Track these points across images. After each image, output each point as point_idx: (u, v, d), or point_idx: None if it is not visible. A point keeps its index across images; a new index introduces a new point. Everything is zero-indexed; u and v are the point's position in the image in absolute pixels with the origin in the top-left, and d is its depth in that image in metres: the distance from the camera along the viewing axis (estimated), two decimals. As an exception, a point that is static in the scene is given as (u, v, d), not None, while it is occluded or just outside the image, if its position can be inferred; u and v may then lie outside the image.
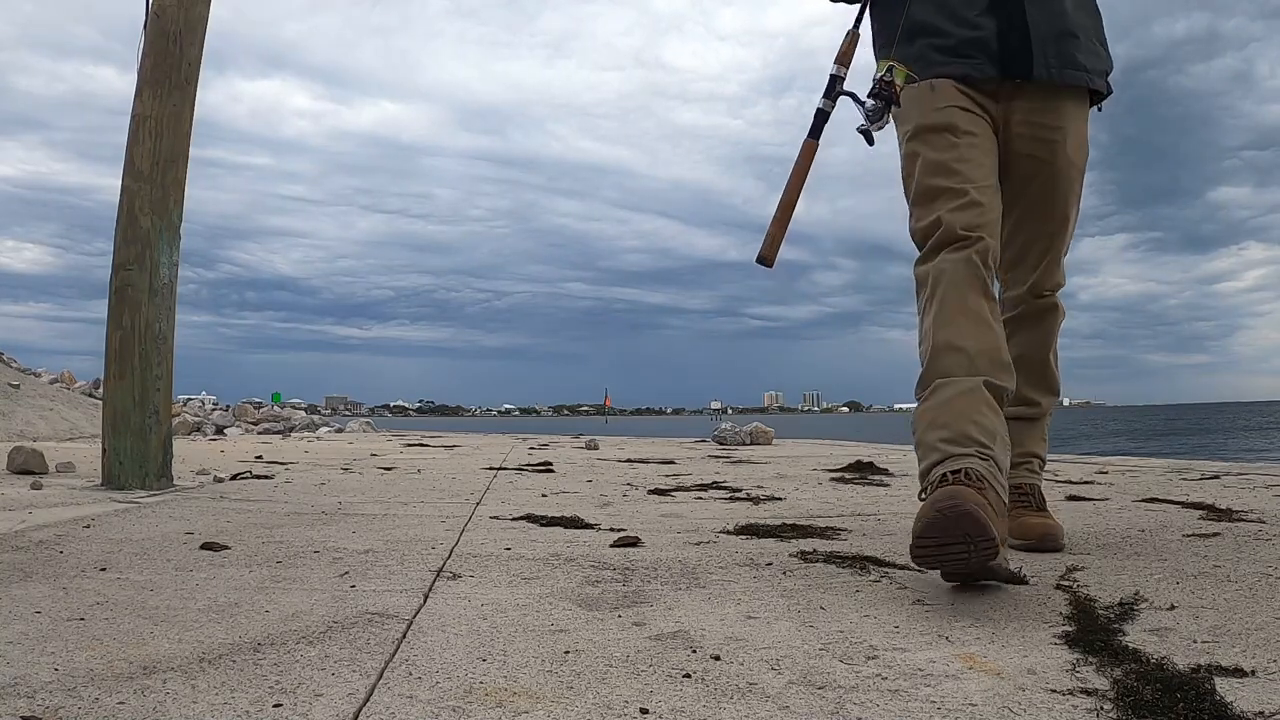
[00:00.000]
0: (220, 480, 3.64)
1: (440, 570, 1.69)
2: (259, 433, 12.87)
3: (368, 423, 14.62)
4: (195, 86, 3.55)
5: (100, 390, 14.93)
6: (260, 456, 5.43)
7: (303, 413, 16.81)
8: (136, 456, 3.20)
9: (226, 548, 1.94)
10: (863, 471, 4.18)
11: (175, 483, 3.39)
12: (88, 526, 2.25)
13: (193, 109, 3.51)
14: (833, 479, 3.94)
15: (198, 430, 12.55)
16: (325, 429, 13.86)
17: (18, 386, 11.55)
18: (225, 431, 12.79)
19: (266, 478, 3.82)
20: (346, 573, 1.67)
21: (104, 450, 3.29)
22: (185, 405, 15.90)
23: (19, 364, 18.23)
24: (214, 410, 15.00)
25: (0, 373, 12.33)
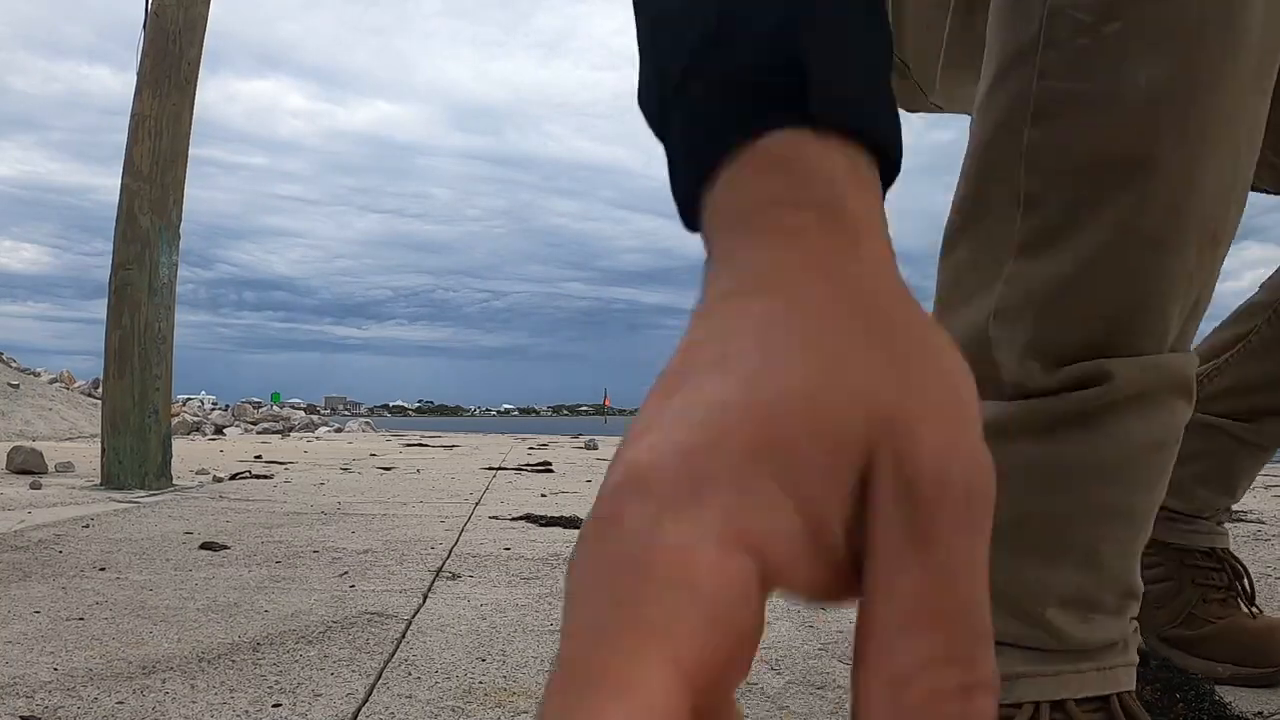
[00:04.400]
0: (219, 480, 3.64)
1: (439, 570, 1.69)
2: (258, 432, 12.89)
3: (367, 423, 14.64)
4: (195, 86, 3.55)
5: (99, 390, 14.94)
6: (259, 456, 5.43)
7: (302, 413, 16.82)
8: (136, 456, 3.20)
9: (226, 547, 1.94)
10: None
11: (174, 482, 3.39)
12: (87, 526, 2.25)
13: (192, 108, 3.51)
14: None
15: (197, 430, 12.58)
16: (325, 429, 13.88)
17: (17, 386, 11.58)
18: (224, 431, 12.81)
19: (266, 477, 3.82)
20: (346, 572, 1.67)
21: (103, 450, 3.29)
22: (184, 405, 15.91)
23: (18, 364, 18.26)
24: (213, 410, 15.02)
25: (0, 372, 12.35)
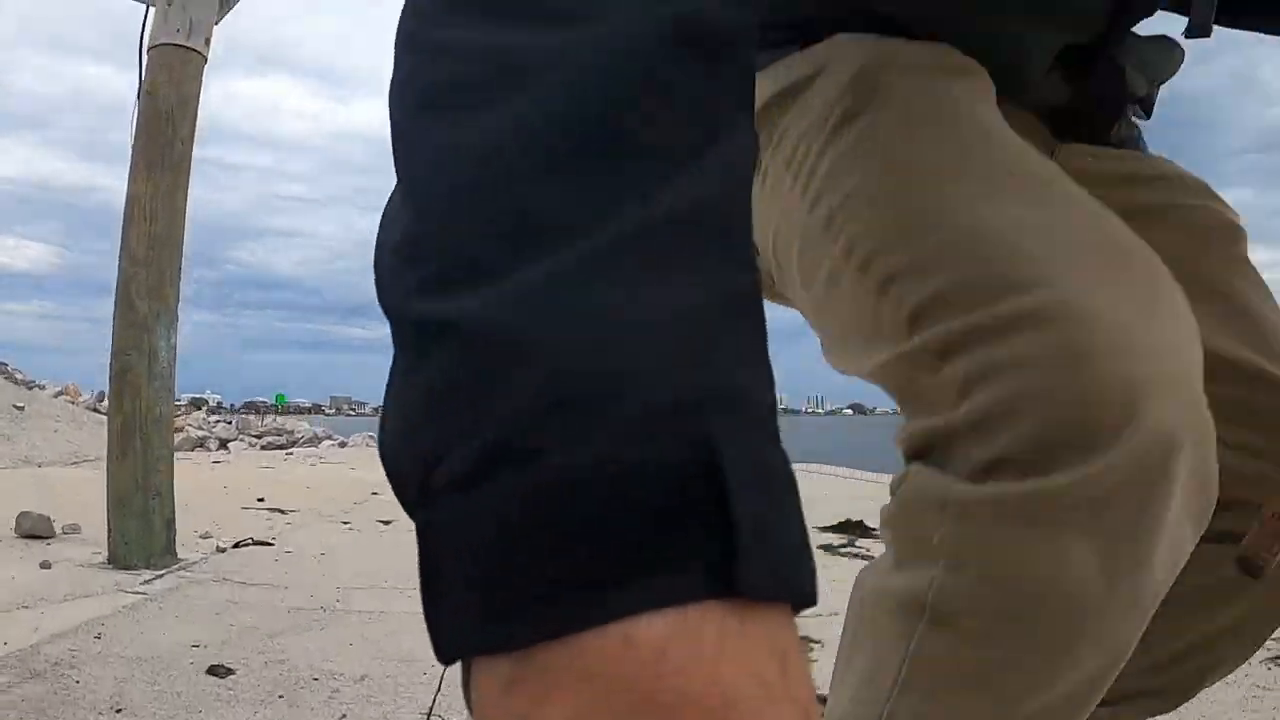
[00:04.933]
0: (222, 550, 3.74)
1: (429, 715, 1.80)
2: (262, 448, 12.99)
3: (370, 436, 14.74)
4: (188, 165, 3.63)
5: (104, 404, 14.99)
6: (262, 499, 5.53)
7: (305, 424, 16.95)
8: (140, 539, 3.30)
9: (231, 671, 2.05)
10: (850, 534, 3.90)
11: (179, 556, 3.49)
12: (99, 637, 2.35)
13: (186, 188, 3.59)
14: (820, 546, 3.97)
15: (201, 446, 12.67)
16: (328, 443, 13.98)
17: (23, 408, 11.66)
18: (229, 446, 12.91)
19: (268, 544, 3.92)
20: (344, 716, 1.77)
21: (109, 529, 3.39)
22: (188, 415, 15.97)
23: (24, 375, 18.33)
24: (217, 423, 15.13)
25: (5, 392, 12.41)
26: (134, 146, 3.58)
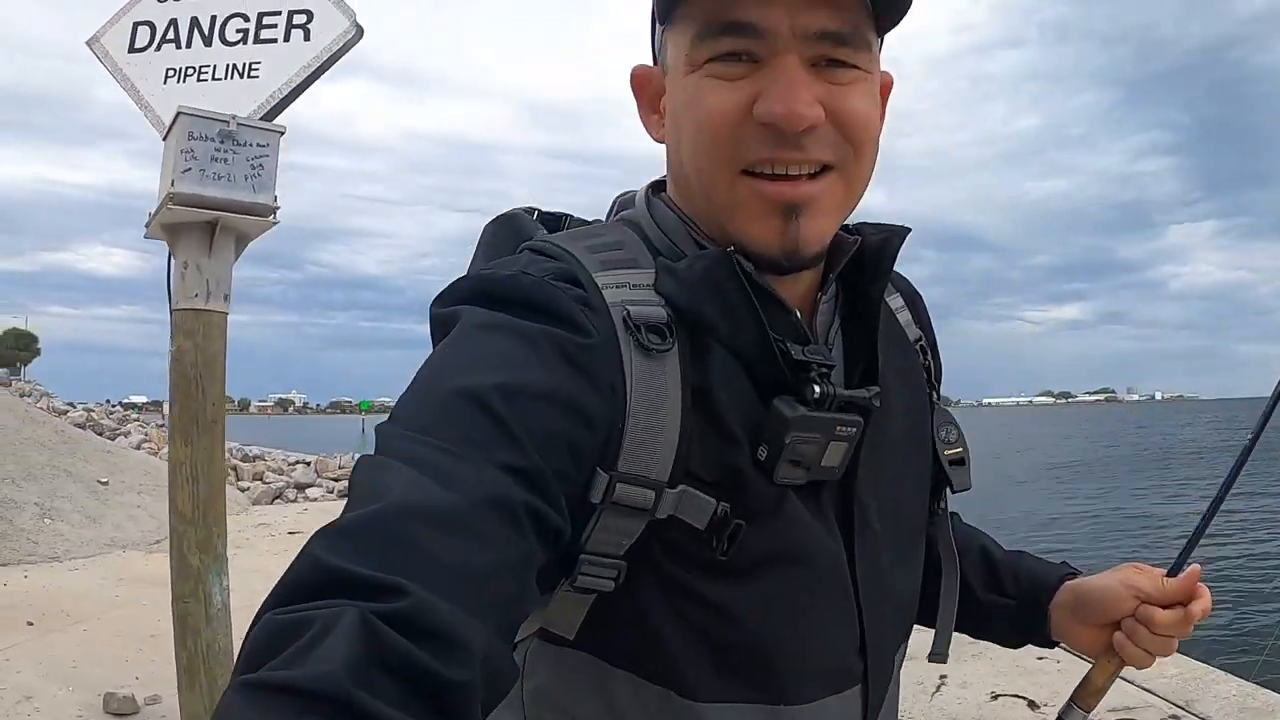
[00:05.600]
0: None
1: None
2: (340, 494, 13.22)
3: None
4: (222, 423, 4.15)
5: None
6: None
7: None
8: (215, 754, 3.95)
9: None
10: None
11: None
12: None
13: (223, 447, 4.13)
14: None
15: (279, 497, 13.11)
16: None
17: (106, 483, 12.15)
18: (307, 491, 13.35)
19: None
20: None
21: (189, 744, 4.05)
22: (266, 461, 16.37)
23: (108, 421, 19.01)
24: (295, 465, 15.77)
25: (91, 461, 12.87)
26: (169, 412, 4.10)
